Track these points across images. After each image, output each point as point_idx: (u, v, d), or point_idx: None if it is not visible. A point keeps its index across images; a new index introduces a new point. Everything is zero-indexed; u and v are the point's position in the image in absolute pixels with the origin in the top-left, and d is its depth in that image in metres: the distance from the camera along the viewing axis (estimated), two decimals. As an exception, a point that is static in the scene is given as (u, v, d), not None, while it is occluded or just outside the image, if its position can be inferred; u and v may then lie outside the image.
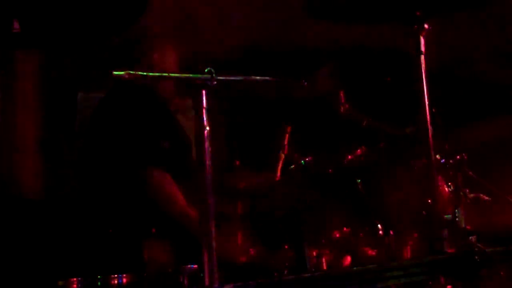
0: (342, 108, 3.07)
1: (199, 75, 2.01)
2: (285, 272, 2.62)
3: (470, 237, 2.36)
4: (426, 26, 2.43)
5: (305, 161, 2.91)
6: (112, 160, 2.84)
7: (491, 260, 2.23)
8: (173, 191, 2.80)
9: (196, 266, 2.17)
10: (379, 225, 2.69)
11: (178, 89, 3.18)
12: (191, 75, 2.02)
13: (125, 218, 2.78)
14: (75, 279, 2.20)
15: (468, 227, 2.56)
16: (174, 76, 2.31)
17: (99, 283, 2.19)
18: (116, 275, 2.22)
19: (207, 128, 1.98)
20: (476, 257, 2.20)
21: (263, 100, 3.84)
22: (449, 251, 2.25)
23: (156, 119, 2.89)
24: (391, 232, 2.67)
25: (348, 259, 2.69)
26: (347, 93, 3.10)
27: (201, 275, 2.01)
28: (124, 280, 2.21)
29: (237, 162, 3.69)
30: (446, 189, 2.65)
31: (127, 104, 2.92)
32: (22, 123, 3.64)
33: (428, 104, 2.36)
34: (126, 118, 2.87)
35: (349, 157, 2.82)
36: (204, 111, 1.99)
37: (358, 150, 2.81)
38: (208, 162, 1.95)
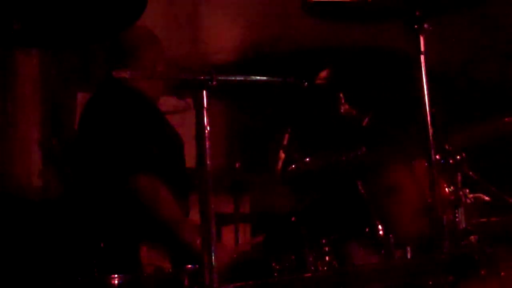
0: (342, 108, 3.06)
1: (199, 75, 2.01)
2: (285, 272, 2.62)
3: (470, 237, 2.36)
4: (426, 26, 2.42)
5: (304, 161, 2.91)
6: (100, 167, 2.83)
7: (491, 260, 2.24)
8: (164, 197, 2.78)
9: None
10: (379, 226, 2.69)
11: (175, 89, 3.18)
12: (191, 75, 2.03)
13: (121, 220, 2.78)
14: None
15: (468, 227, 2.56)
16: (175, 76, 2.30)
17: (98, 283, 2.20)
18: (115, 275, 2.22)
19: (207, 128, 1.98)
20: (476, 257, 2.20)
21: (263, 100, 3.84)
22: (449, 251, 2.25)
23: (143, 122, 2.86)
24: (391, 232, 2.67)
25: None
26: (347, 93, 3.10)
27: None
28: (123, 280, 2.22)
29: (237, 163, 3.69)
30: (446, 189, 2.65)
31: (112, 108, 2.90)
32: (22, 123, 3.65)
33: (428, 104, 2.36)
34: (112, 124, 2.85)
35: (349, 157, 2.82)
36: (204, 111, 1.99)
37: (358, 150, 2.81)
38: (208, 162, 1.95)
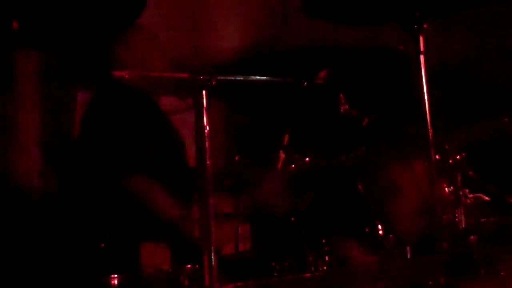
0: (342, 108, 3.06)
1: (199, 75, 2.01)
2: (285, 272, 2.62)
3: (470, 237, 2.36)
4: (425, 26, 2.42)
5: (304, 161, 2.91)
6: (98, 167, 2.84)
7: (491, 260, 2.24)
8: (158, 198, 2.79)
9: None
10: (379, 226, 2.69)
11: (175, 89, 3.17)
12: (191, 75, 2.03)
13: (121, 220, 2.78)
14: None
15: (468, 227, 2.56)
16: (174, 76, 2.30)
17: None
18: (115, 275, 2.22)
19: (207, 128, 1.98)
20: (476, 257, 2.20)
21: (263, 100, 3.84)
22: (449, 251, 2.25)
23: (142, 122, 2.87)
24: (391, 232, 2.67)
25: None
26: (347, 93, 3.10)
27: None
28: (123, 280, 2.22)
29: (237, 163, 3.69)
30: (446, 189, 2.65)
31: (112, 109, 2.90)
32: (22, 123, 3.64)
33: (428, 104, 2.36)
34: (111, 124, 2.86)
35: (349, 157, 2.82)
36: (204, 111, 1.99)
37: (358, 150, 2.81)
38: (208, 162, 1.95)
